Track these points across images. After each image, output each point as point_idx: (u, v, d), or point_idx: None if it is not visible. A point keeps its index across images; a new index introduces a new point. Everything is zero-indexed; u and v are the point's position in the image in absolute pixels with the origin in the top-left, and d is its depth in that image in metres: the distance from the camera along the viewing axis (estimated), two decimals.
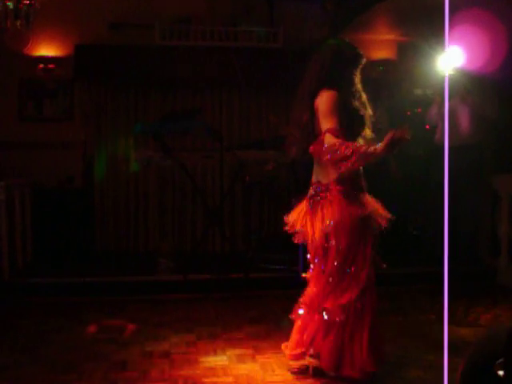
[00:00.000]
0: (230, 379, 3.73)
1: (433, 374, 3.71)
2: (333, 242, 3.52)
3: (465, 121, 6.61)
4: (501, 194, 6.62)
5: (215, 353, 4.25)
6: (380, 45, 7.78)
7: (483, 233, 7.06)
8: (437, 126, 6.80)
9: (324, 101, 3.54)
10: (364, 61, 3.70)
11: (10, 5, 5.46)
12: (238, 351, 4.28)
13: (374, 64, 7.76)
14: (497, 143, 6.99)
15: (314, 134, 3.62)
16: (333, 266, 3.54)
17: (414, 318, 5.20)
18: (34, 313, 5.34)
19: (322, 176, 3.69)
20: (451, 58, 5.80)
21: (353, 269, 3.52)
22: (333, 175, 3.58)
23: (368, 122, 3.71)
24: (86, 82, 7.72)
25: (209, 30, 7.67)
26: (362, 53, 3.71)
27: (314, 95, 3.61)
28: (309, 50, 7.71)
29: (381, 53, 7.79)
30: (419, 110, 7.40)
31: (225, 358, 4.15)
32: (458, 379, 2.27)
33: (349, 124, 3.55)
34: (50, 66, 7.66)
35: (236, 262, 6.51)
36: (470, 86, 6.42)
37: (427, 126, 7.03)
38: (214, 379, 3.73)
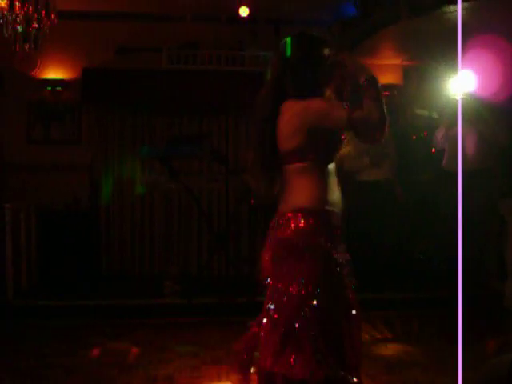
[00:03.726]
0: None
1: None
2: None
3: (475, 146, 6.59)
4: (507, 219, 6.59)
5: (219, 378, 4.22)
6: (386, 69, 7.81)
7: (490, 257, 7.01)
8: (444, 151, 6.79)
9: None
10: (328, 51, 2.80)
11: (20, 28, 5.53)
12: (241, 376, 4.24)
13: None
14: (507, 168, 6.97)
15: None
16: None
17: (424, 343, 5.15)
18: (38, 335, 5.33)
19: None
20: (463, 82, 5.80)
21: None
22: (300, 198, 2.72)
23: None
24: (93, 105, 7.77)
25: (215, 54, 7.73)
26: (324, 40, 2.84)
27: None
28: None
29: (387, 77, 7.81)
30: (425, 133, 7.40)
31: (229, 383, 4.11)
32: None
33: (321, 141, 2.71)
34: (58, 89, 7.72)
35: (241, 285, 6.48)
36: (482, 110, 6.41)
37: (433, 150, 7.01)
38: None
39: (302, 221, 2.66)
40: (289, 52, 2.81)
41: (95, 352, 4.81)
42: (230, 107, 7.77)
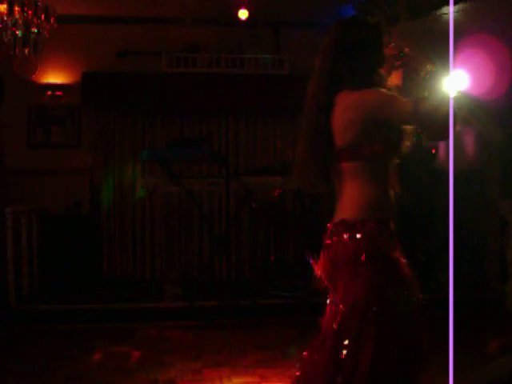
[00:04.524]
0: None
1: None
2: None
3: (469, 145, 6.60)
4: (508, 219, 6.57)
5: (221, 381, 4.21)
6: (386, 70, 7.81)
7: (491, 258, 7.00)
8: (437, 150, 6.78)
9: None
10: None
11: (19, 33, 5.53)
12: (243, 379, 4.24)
13: None
14: (503, 168, 6.96)
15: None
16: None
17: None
18: (40, 339, 5.32)
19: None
20: (456, 81, 5.80)
21: None
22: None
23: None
24: (93, 109, 7.77)
25: (215, 57, 7.73)
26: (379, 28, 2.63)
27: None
28: None
29: (388, 79, 7.81)
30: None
31: None
32: None
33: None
34: (58, 93, 7.73)
35: (243, 288, 6.48)
36: (475, 109, 6.41)
37: (433, 150, 7.00)
38: None
39: (345, 235, 2.43)
40: (342, 37, 2.58)
41: (97, 356, 4.81)
42: (230, 110, 7.78)
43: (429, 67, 2.52)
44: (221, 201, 7.72)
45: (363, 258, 2.38)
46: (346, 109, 2.45)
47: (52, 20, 5.80)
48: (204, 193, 7.63)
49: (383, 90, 2.50)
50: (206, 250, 7.79)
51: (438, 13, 5.56)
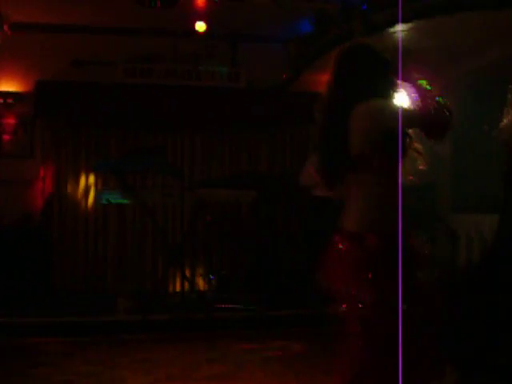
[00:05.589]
0: None
1: None
2: None
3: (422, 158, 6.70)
4: (459, 233, 6.70)
5: None
6: None
7: (441, 272, 7.11)
8: None
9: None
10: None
11: None
12: None
13: None
14: (452, 182, 7.11)
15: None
16: None
17: None
18: None
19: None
20: (403, 97, 5.92)
21: None
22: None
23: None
24: (46, 119, 7.65)
25: (171, 68, 7.71)
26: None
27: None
28: (271, 90, 7.87)
29: None
30: None
31: None
32: None
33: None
34: (10, 101, 7.58)
35: (196, 301, 6.44)
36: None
37: None
38: None
39: (345, 246, 2.55)
40: (341, 66, 2.75)
41: (45, 371, 4.70)
42: (186, 122, 7.76)
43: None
44: (175, 213, 7.67)
45: (368, 270, 2.48)
46: (353, 120, 2.56)
47: (5, 27, 5.71)
48: (158, 204, 7.56)
49: (389, 99, 2.62)
50: (160, 262, 7.72)
51: (391, 30, 5.66)
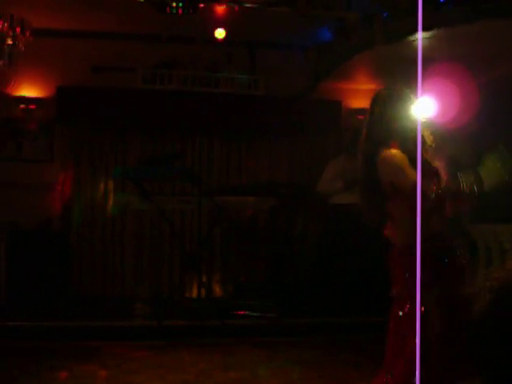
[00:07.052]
0: None
1: None
2: None
3: (444, 169, 6.64)
4: (479, 245, 6.64)
5: None
6: (361, 94, 7.87)
7: None
8: None
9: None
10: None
11: None
12: None
13: (353, 112, 7.88)
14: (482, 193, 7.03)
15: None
16: None
17: None
18: (4, 357, 5.20)
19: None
20: (423, 108, 5.88)
21: None
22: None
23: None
24: (66, 124, 7.71)
25: (191, 75, 7.74)
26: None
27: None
28: (289, 98, 7.87)
29: (361, 102, 7.87)
30: None
31: None
32: None
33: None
34: (32, 106, 7.65)
35: (213, 308, 6.44)
36: (444, 135, 6.48)
37: None
38: None
39: (400, 256, 2.96)
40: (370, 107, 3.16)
41: (62, 374, 4.72)
42: (204, 128, 7.78)
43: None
44: (193, 219, 7.69)
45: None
46: (378, 164, 3.02)
47: (27, 33, 5.76)
48: (176, 211, 7.59)
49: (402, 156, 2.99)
50: (177, 268, 7.74)
51: (411, 38, 5.64)
